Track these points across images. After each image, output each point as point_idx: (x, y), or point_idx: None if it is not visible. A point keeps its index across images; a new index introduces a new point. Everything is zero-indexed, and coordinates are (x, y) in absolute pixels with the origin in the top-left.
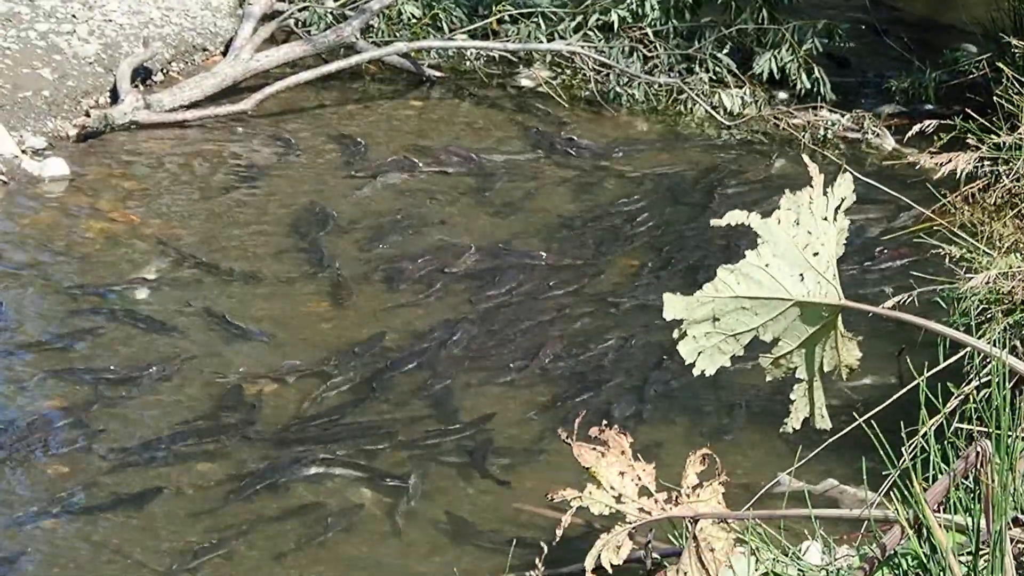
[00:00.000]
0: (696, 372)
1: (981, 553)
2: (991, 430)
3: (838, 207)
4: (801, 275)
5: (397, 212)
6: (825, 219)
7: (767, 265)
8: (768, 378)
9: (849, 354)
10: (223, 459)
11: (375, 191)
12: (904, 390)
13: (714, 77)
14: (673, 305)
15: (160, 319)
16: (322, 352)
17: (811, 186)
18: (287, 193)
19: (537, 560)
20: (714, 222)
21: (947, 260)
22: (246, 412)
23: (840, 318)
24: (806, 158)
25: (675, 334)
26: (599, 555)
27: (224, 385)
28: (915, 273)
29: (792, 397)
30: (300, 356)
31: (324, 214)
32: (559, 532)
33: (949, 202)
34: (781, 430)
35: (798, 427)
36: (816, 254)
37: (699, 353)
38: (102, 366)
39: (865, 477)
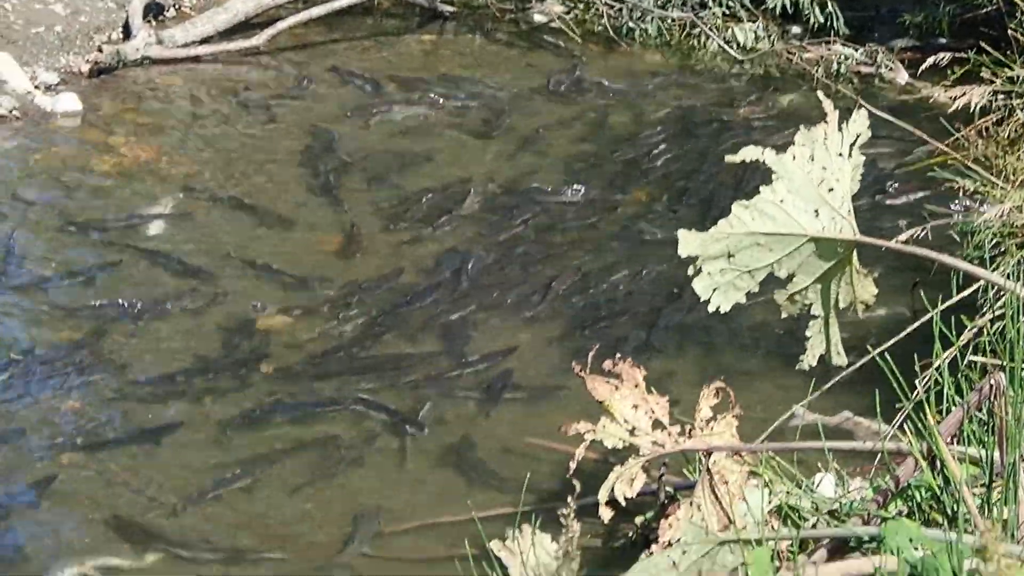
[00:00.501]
0: (711, 308)
1: (994, 485)
2: (1005, 362)
3: (853, 143)
4: (816, 211)
5: (408, 147)
6: (840, 155)
7: (782, 201)
8: (783, 314)
9: (865, 290)
10: (236, 394)
11: (387, 126)
12: (918, 323)
13: (727, 11)
14: (688, 241)
15: (173, 254)
16: (336, 286)
17: (826, 122)
18: (300, 128)
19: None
20: (728, 158)
21: (961, 194)
22: (260, 346)
23: (855, 254)
24: (820, 94)
25: (690, 270)
26: (612, 488)
27: (237, 319)
28: (929, 207)
29: (808, 334)
30: (314, 290)
31: (336, 149)
32: (573, 465)
33: (963, 136)
34: (797, 367)
35: (814, 364)
36: (831, 190)
37: (714, 289)
38: (115, 300)
39: (879, 410)
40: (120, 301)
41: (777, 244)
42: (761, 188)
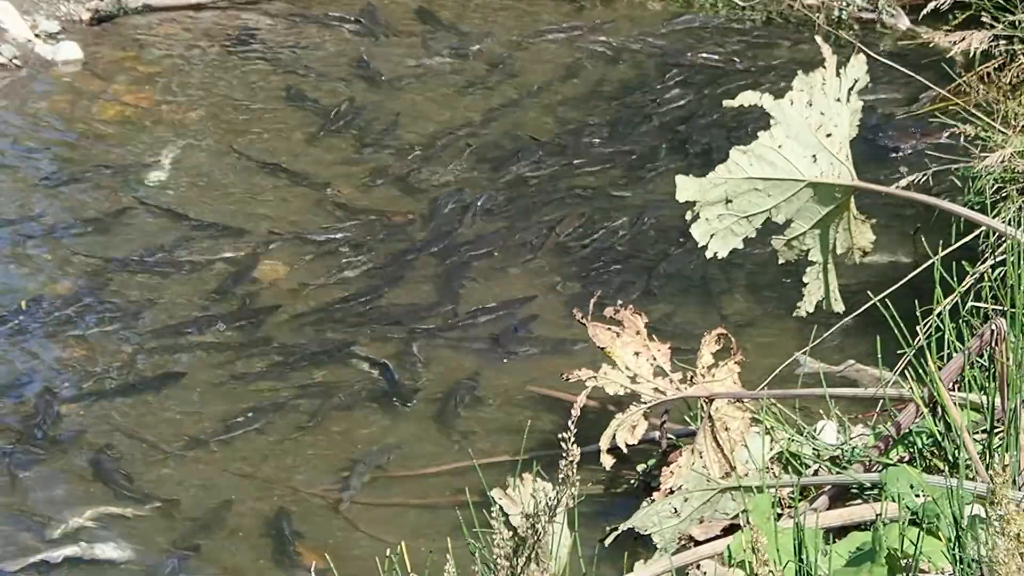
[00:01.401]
0: (709, 254)
1: (996, 431)
2: (1006, 308)
3: (851, 88)
4: (814, 156)
5: (408, 96)
6: (838, 100)
7: (780, 146)
8: (781, 260)
9: (862, 236)
10: (237, 343)
11: (395, 75)
12: (919, 269)
13: None
14: (686, 187)
15: (176, 203)
16: (339, 237)
17: (824, 67)
18: (304, 77)
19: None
20: (727, 103)
21: (962, 139)
22: (260, 296)
23: (853, 200)
24: (819, 39)
25: (688, 216)
26: (614, 435)
27: (239, 270)
28: (930, 153)
29: (805, 280)
30: (315, 241)
31: (338, 98)
32: (575, 412)
33: (964, 81)
34: (794, 313)
35: (811, 310)
36: (829, 135)
37: (712, 235)
38: (118, 250)
39: (880, 356)
40: (122, 250)
41: (775, 189)
42: (759, 133)
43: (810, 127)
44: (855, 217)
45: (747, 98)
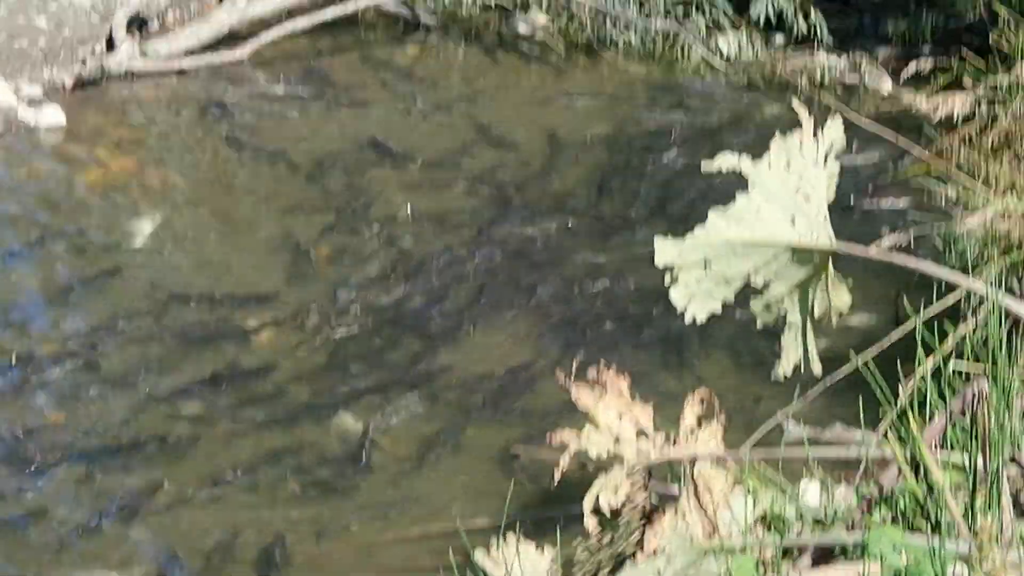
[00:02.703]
0: (688, 318)
1: (978, 491)
2: (987, 369)
3: (828, 151)
4: (792, 219)
5: (393, 152)
6: (816, 163)
7: (758, 209)
8: (759, 324)
9: (840, 298)
10: (222, 411)
11: (366, 133)
12: (902, 330)
13: (710, 23)
14: (665, 250)
15: (155, 268)
16: (322, 301)
17: (801, 130)
18: (284, 140)
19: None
20: (705, 166)
21: (944, 201)
22: (242, 360)
23: (831, 262)
24: (795, 102)
25: (667, 280)
26: (597, 496)
27: (225, 326)
28: (912, 214)
29: (783, 342)
30: (295, 304)
31: (322, 162)
32: (558, 475)
33: (946, 144)
34: (772, 376)
35: (789, 373)
36: (807, 198)
37: (691, 298)
38: (101, 318)
39: (862, 418)
40: (105, 318)
41: (753, 252)
42: (737, 196)
43: (788, 190)
44: (833, 279)
45: (726, 161)
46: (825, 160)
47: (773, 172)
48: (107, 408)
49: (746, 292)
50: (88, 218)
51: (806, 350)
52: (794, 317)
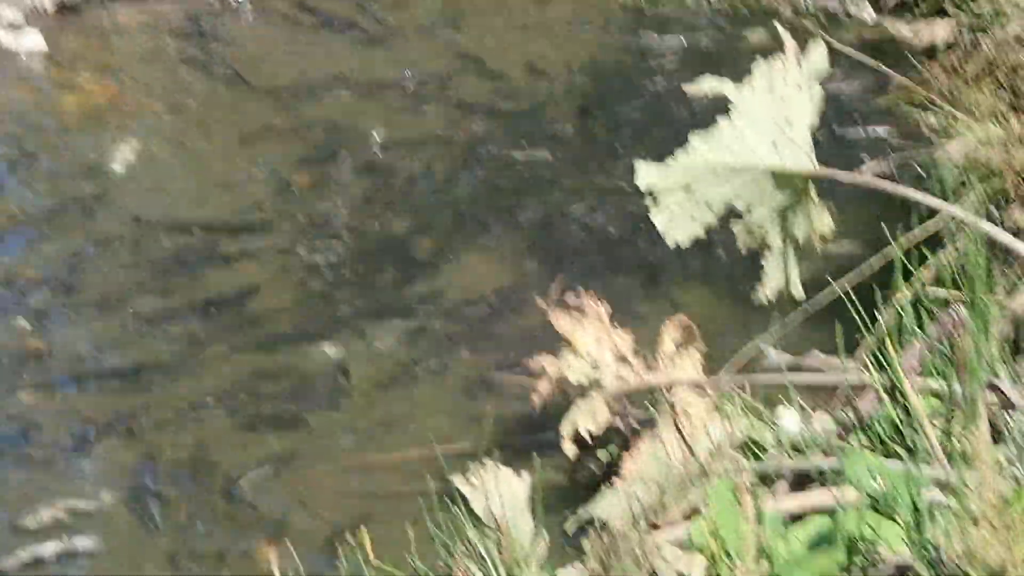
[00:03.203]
0: (670, 242)
1: (955, 417)
2: (966, 296)
3: (811, 75)
4: (775, 143)
5: (367, 76)
6: (798, 87)
7: (740, 133)
8: (741, 246)
9: (822, 223)
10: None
11: (354, 59)
12: (881, 257)
13: None
14: (646, 173)
15: (136, 194)
16: (303, 228)
17: (784, 55)
18: (266, 67)
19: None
20: (688, 88)
21: (925, 129)
22: (224, 285)
23: (813, 187)
24: (779, 27)
25: (648, 203)
26: (576, 422)
27: (206, 253)
28: (893, 142)
29: (764, 266)
30: (277, 232)
31: (299, 88)
32: (537, 400)
33: (928, 71)
34: (754, 300)
35: (771, 296)
36: (790, 122)
37: (672, 222)
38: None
39: (841, 345)
40: (86, 244)
41: (735, 176)
42: (720, 119)
43: (771, 114)
44: (815, 203)
45: (709, 85)
46: (808, 85)
47: (756, 96)
48: (86, 333)
49: (729, 218)
50: (68, 143)
51: (788, 275)
52: (776, 241)
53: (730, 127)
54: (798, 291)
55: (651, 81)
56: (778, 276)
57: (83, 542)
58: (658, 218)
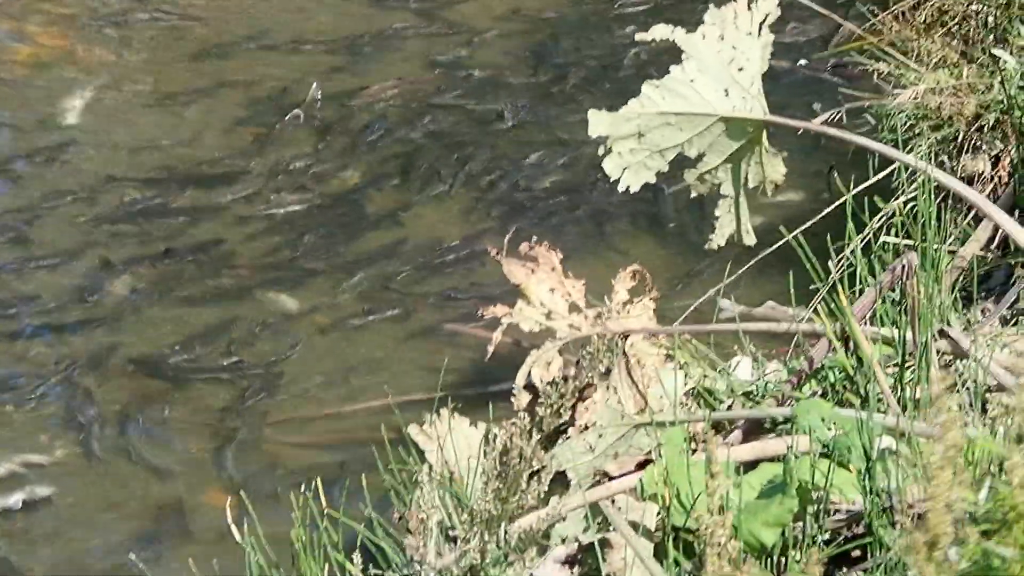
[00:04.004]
0: (621, 188)
1: (907, 364)
2: (917, 243)
3: (763, 22)
4: (726, 90)
5: (323, 28)
6: (749, 34)
7: (692, 81)
8: (693, 194)
9: (774, 170)
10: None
11: (307, 14)
12: (833, 206)
13: None
14: (598, 121)
15: (90, 145)
16: (257, 181)
17: (735, 1)
18: (215, 19)
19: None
20: (639, 36)
21: (875, 77)
22: (177, 240)
23: (765, 134)
24: None
25: (600, 150)
26: (529, 372)
27: (161, 205)
28: (844, 91)
29: (717, 213)
30: (230, 184)
31: (254, 38)
32: (491, 349)
33: (879, 20)
34: (706, 247)
35: (723, 243)
36: (741, 69)
37: (624, 169)
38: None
39: (793, 293)
40: (41, 196)
41: (687, 124)
42: (671, 67)
43: (722, 61)
44: (767, 151)
45: (659, 32)
46: (760, 30)
47: (707, 43)
48: (42, 284)
49: (682, 167)
50: (20, 95)
51: (739, 222)
52: (728, 188)
53: (681, 75)
54: (750, 238)
55: (605, 30)
56: (730, 223)
57: (43, 493)
58: (609, 165)
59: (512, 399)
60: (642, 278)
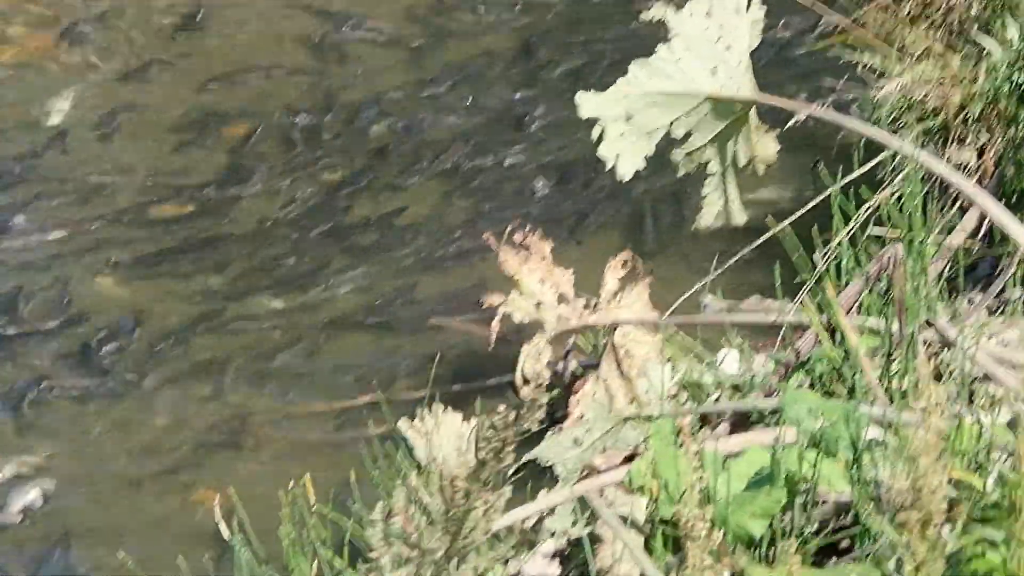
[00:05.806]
0: (619, 176)
1: (893, 355)
2: (903, 234)
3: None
4: (714, 69)
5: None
6: (737, 12)
7: (679, 60)
8: (680, 172)
9: (765, 147)
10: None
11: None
12: (819, 198)
13: None
14: (587, 102)
15: (74, 147)
16: (240, 181)
17: None
18: (201, 21)
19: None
20: (643, 16)
21: (861, 68)
22: (164, 243)
23: (754, 112)
24: None
25: (594, 134)
26: (523, 366)
27: (146, 208)
28: (830, 83)
29: (704, 192)
30: (215, 186)
31: (241, 40)
32: (492, 339)
33: (864, 11)
34: (693, 227)
35: (711, 222)
36: (728, 48)
37: (618, 156)
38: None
39: (780, 286)
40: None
41: (674, 103)
42: (659, 47)
43: (709, 39)
44: (756, 128)
45: (657, 11)
46: (747, 6)
47: (694, 21)
48: (22, 288)
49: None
50: (4, 97)
51: (728, 199)
52: (715, 167)
53: (668, 54)
54: (741, 216)
55: (610, 18)
56: (718, 200)
57: (35, 495)
58: (604, 150)
59: (512, 393)
60: (634, 265)
